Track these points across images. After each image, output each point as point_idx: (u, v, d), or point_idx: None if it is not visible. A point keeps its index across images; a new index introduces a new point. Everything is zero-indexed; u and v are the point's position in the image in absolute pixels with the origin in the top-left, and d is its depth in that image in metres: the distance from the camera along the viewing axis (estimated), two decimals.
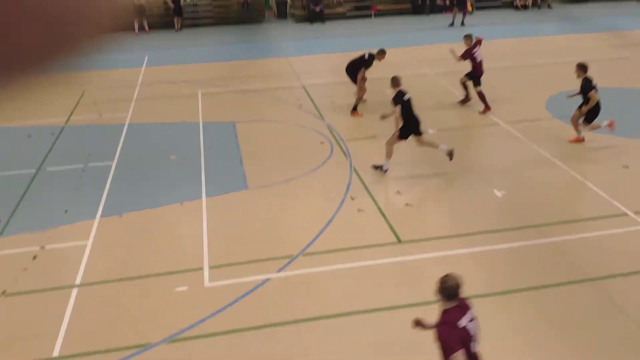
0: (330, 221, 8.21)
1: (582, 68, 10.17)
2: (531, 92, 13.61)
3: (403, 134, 9.42)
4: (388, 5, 24.55)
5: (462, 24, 21.70)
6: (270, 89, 14.77)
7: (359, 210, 8.50)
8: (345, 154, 10.56)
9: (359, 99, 12.67)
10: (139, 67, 17.25)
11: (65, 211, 8.70)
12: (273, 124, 12.35)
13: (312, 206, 8.73)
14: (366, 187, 9.20)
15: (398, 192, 9.06)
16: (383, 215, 8.35)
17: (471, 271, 6.64)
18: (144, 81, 15.87)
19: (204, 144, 11.34)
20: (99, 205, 8.90)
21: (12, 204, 9.02)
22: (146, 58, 18.18)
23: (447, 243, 7.56)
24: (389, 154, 9.47)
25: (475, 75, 12.50)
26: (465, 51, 12.56)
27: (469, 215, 8.30)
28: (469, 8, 22.94)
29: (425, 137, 9.73)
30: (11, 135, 12.07)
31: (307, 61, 17.86)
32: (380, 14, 24.11)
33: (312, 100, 13.77)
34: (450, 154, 9.56)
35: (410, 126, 9.41)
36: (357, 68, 12.64)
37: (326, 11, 23.49)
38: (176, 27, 22.45)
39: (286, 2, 24.39)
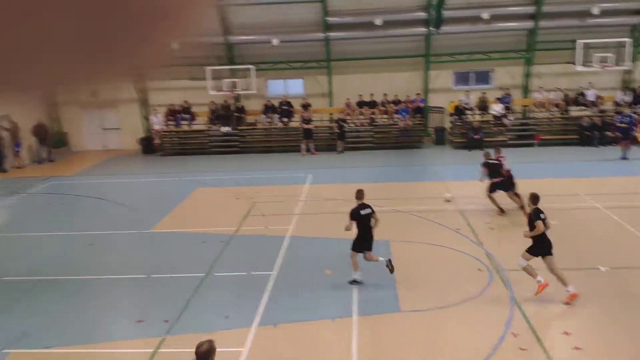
0: (488, 358, 7.69)
1: (532, 199, 9.59)
2: None
3: (356, 246, 10.14)
4: (553, 135, 23.99)
5: (625, 157, 20.36)
6: (427, 211, 14.82)
7: (521, 349, 7.88)
8: (505, 285, 10.04)
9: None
10: (303, 184, 18.39)
11: (226, 317, 9.17)
12: (428, 246, 12.24)
13: (469, 339, 8.28)
14: (529, 323, 8.56)
15: (565, 333, 8.29)
16: (549, 358, 7.63)
17: None
18: (307, 197, 16.82)
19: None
20: (256, 313, 9.27)
21: (180, 304, 9.74)
22: (310, 176, 19.39)
23: None
24: (354, 266, 10.17)
25: None
26: None
27: None
28: None
29: (370, 254, 10.18)
30: (189, 240, 13.29)
31: (465, 186, 17.76)
32: (544, 143, 23.57)
33: (469, 225, 13.52)
34: (388, 265, 10.08)
35: (364, 240, 10.05)
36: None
37: (486, 139, 23.55)
38: (339, 149, 23.87)
39: (444, 130, 24.96)
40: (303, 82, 25.97)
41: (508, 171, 14.16)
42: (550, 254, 9.20)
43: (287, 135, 24.80)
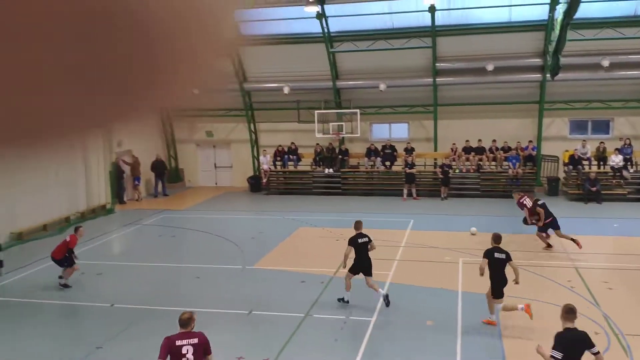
0: None
1: (493, 238, 10.59)
2: None
3: (353, 269, 11.17)
4: None
5: None
6: (537, 265, 13.99)
7: None
8: (625, 351, 9.15)
9: None
10: (404, 229, 18.10)
11: None
12: (538, 303, 11.48)
13: None
14: None
15: None
16: None
17: None
18: (408, 243, 16.51)
19: (462, 313, 11.02)
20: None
21: (279, 344, 9.77)
22: (411, 222, 19.06)
23: None
24: (347, 287, 11.25)
25: None
26: None
27: None
28: None
29: (370, 280, 11.14)
30: (289, 278, 13.42)
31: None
32: None
33: (584, 283, 12.57)
34: (385, 299, 10.95)
35: (360, 265, 11.10)
36: None
37: (604, 192, 22.06)
38: (442, 195, 23.37)
39: (558, 180, 23.70)
40: (408, 126, 25.91)
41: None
42: (369, 273, 11.17)
43: (389, 179, 24.70)
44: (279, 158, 25.67)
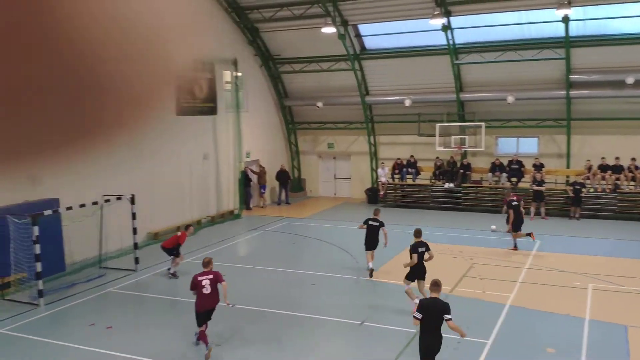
0: None
1: (415, 234, 12.15)
2: None
3: (410, 277, 11.83)
4: None
5: None
6: None
7: None
8: None
9: None
10: (530, 250, 17.18)
11: None
12: None
13: None
14: None
15: None
16: None
17: None
18: (532, 265, 15.66)
19: (588, 343, 10.25)
20: None
21: (391, 358, 9.70)
22: (538, 243, 18.06)
23: None
24: (411, 296, 11.61)
25: None
26: None
27: None
28: None
29: (423, 284, 11.70)
30: (402, 293, 13.22)
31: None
32: None
33: None
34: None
35: (417, 271, 11.80)
36: None
37: None
38: (574, 216, 21.88)
39: None
40: (537, 140, 24.61)
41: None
42: (422, 278, 11.78)
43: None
44: (397, 171, 25.55)
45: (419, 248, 11.87)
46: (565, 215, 22.14)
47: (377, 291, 13.59)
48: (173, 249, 14.65)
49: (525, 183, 23.22)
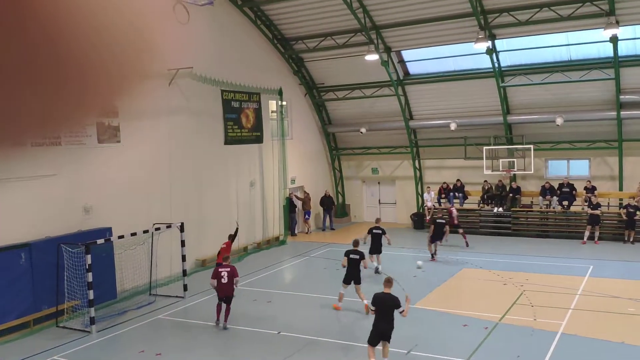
0: None
1: (353, 243, 14.59)
2: None
3: (345, 280, 14.01)
4: None
5: None
6: None
7: None
8: None
9: None
10: (582, 276, 16.62)
11: None
12: None
13: None
14: None
15: None
16: None
17: None
18: (585, 291, 15.13)
19: None
20: None
21: None
22: (591, 268, 17.46)
23: None
24: (339, 299, 14.11)
25: None
26: None
27: None
28: None
29: (358, 288, 13.82)
30: (451, 321, 13.05)
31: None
32: None
33: None
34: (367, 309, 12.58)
35: (349, 276, 13.95)
36: None
37: None
38: (627, 239, 21.06)
39: None
40: (589, 162, 23.93)
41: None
42: (357, 283, 13.87)
43: (566, 220, 22.91)
44: (443, 195, 25.25)
45: (351, 255, 14.01)
46: (618, 240, 21.33)
47: (423, 320, 13.37)
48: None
49: (577, 206, 22.55)
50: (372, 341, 10.16)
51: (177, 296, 15.83)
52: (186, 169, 19.10)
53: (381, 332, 10.12)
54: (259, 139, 23.03)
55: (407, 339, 11.94)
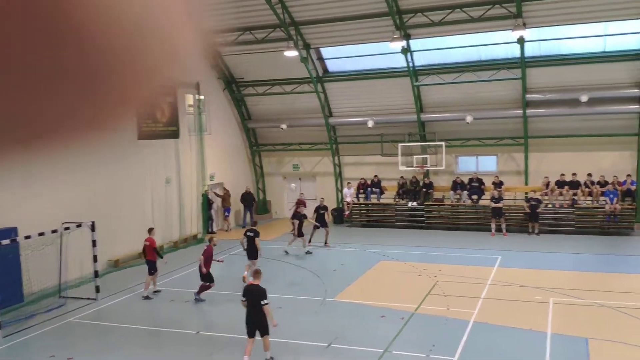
0: None
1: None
2: None
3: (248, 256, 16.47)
4: None
5: None
6: (635, 307, 13.01)
7: None
8: None
9: None
10: (491, 266, 17.49)
11: None
12: (635, 349, 10.68)
13: None
14: None
15: None
16: None
17: None
18: (495, 281, 15.93)
19: (550, 357, 10.45)
20: None
21: None
22: (499, 259, 18.40)
23: None
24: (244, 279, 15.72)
25: None
26: None
27: None
28: None
29: (255, 263, 15.81)
30: (369, 312, 13.33)
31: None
32: None
33: None
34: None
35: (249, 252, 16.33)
36: None
37: None
38: (532, 231, 22.37)
39: None
40: (496, 158, 25.22)
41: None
42: (253, 258, 16.01)
43: (475, 214, 24.03)
44: (362, 191, 25.75)
45: (247, 232, 16.20)
46: (524, 231, 22.63)
47: (343, 313, 13.57)
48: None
49: (486, 200, 23.69)
50: (250, 333, 10.52)
51: (88, 298, 15.15)
52: (97, 164, 18.28)
53: (253, 322, 10.50)
54: (175, 134, 22.45)
55: (326, 332, 12.09)
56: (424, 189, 24.91)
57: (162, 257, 15.97)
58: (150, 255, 15.38)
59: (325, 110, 25.71)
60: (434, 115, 24.79)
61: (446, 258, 18.79)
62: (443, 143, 24.07)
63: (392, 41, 21.64)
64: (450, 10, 21.28)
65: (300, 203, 21.93)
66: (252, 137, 28.31)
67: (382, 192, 25.61)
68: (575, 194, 22.70)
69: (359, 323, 12.77)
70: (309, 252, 19.62)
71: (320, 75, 25.41)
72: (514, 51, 22.29)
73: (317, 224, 21.02)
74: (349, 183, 26.30)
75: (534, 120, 23.51)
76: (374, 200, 25.68)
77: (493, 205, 22.57)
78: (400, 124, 25.16)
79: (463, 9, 21.11)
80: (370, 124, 24.92)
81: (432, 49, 23.58)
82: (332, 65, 25.70)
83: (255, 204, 27.31)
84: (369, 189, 25.58)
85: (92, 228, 15.24)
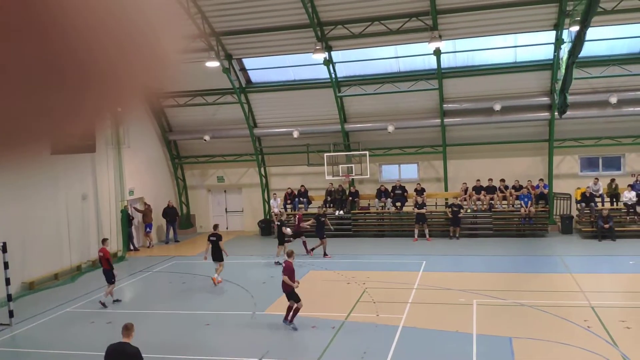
0: None
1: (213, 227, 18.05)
2: None
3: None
4: None
5: None
6: (553, 305, 13.69)
7: None
8: None
9: None
10: (416, 271, 17.88)
11: None
12: (555, 345, 11.20)
13: None
14: None
15: None
16: None
17: None
18: (421, 285, 16.28)
19: (477, 356, 10.76)
20: None
21: None
22: (424, 263, 18.85)
23: None
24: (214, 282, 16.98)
25: None
26: None
27: None
28: None
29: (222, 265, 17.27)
30: (300, 324, 13.18)
31: (595, 279, 16.36)
32: None
33: (602, 323, 12.26)
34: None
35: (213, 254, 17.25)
36: None
37: (618, 229, 21.76)
38: (454, 235, 23.12)
39: (572, 218, 23.43)
40: (417, 166, 25.93)
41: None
42: (219, 260, 17.26)
43: (400, 220, 24.56)
44: (289, 201, 25.68)
45: (211, 237, 17.32)
46: (445, 236, 23.35)
47: (273, 325, 13.38)
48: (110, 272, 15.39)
49: (409, 207, 24.27)
50: None
51: (1, 324, 14.11)
52: (6, 182, 17.15)
53: None
54: (90, 148, 21.48)
55: (257, 347, 11.87)
56: (350, 198, 25.18)
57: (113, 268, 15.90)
58: (106, 265, 15.56)
59: (249, 120, 25.51)
60: (358, 125, 25.18)
61: (373, 265, 19.03)
62: (367, 152, 24.48)
63: (314, 52, 21.81)
64: (370, 23, 21.75)
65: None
66: (173, 149, 27.61)
67: (309, 202, 25.64)
68: (492, 199, 23.70)
69: (290, 335, 12.63)
70: (278, 263, 19.04)
71: (244, 85, 25.20)
72: (431, 62, 23.07)
73: (292, 235, 20.46)
74: (274, 194, 26.15)
75: (451, 129, 24.38)
76: (302, 211, 25.64)
77: (417, 211, 23.15)
78: (325, 134, 25.36)
79: (382, 22, 21.64)
80: (295, 134, 24.95)
81: (353, 60, 23.98)
82: (255, 76, 25.56)
83: (178, 218, 26.60)
84: (296, 199, 25.54)
85: (4, 249, 14.23)
